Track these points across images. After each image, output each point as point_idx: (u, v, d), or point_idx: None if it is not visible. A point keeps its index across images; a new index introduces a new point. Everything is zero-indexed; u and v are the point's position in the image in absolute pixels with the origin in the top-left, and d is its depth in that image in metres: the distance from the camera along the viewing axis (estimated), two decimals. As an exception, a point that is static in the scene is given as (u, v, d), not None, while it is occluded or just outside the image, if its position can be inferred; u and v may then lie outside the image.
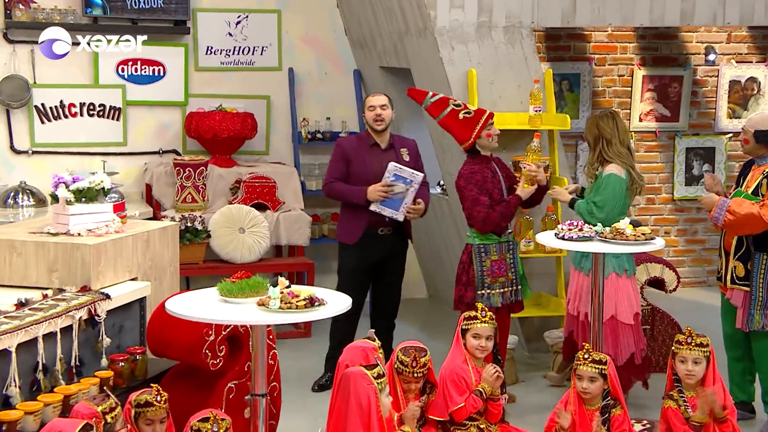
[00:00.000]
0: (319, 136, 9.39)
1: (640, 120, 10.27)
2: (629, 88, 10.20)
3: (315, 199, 9.43)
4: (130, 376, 5.60)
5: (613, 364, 5.71)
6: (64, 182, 5.94)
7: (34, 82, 8.86)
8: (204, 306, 4.84)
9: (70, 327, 5.31)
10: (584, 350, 5.57)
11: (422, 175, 7.07)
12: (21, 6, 8.72)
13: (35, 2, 8.77)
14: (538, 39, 9.88)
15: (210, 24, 9.27)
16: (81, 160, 9.04)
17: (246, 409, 5.79)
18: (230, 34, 9.36)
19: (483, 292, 6.64)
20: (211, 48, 9.32)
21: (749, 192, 6.36)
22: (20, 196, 8.49)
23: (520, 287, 6.85)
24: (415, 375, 5.61)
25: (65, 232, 5.85)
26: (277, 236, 8.70)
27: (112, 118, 9.12)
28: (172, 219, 8.31)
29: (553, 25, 8.12)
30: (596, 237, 6.11)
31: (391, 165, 7.00)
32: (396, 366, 5.65)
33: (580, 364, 5.55)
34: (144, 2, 8.90)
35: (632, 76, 10.18)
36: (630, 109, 10.22)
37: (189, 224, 8.31)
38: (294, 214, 8.80)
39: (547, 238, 6.20)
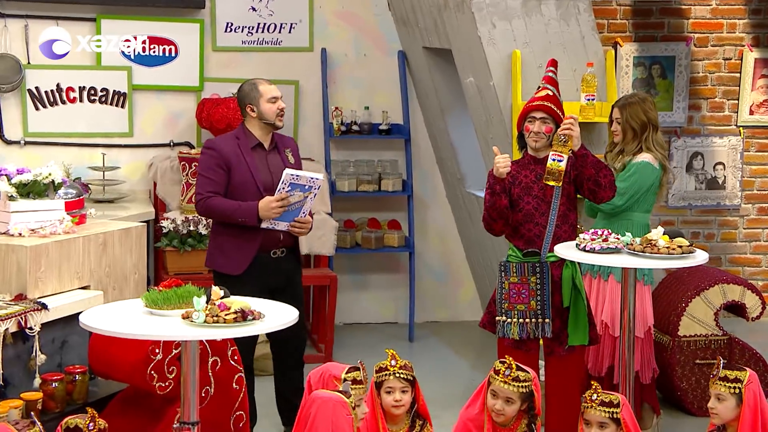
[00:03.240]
0: (355, 128, 9.46)
1: (751, 113, 10.06)
2: (737, 74, 10.02)
3: (347, 202, 9.53)
4: (65, 399, 5.76)
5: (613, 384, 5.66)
6: (6, 174, 6.13)
7: (28, 63, 9.12)
8: (124, 318, 4.95)
9: (-6, 340, 5.49)
10: (592, 389, 5.49)
11: (322, 176, 6.71)
12: (14, -24, 9.03)
13: (30, -29, 9.07)
14: (623, 15, 9.79)
15: (230, -4, 9.46)
16: (80, 152, 9.28)
17: (202, 441, 5.89)
18: (253, 9, 9.48)
19: (500, 318, 6.40)
20: (231, 25, 9.47)
21: None
22: (7, 192, 8.74)
23: (548, 320, 6.32)
24: (398, 375, 5.60)
25: (4, 232, 6.04)
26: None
27: (117, 105, 9.32)
28: (173, 221, 8.48)
29: (617, -2, 8.03)
30: (624, 249, 6.03)
31: (287, 173, 6.56)
32: (376, 380, 5.64)
33: (588, 407, 5.47)
34: (154, -30, 9.15)
35: (741, 60, 10.00)
36: (738, 100, 10.03)
37: (192, 228, 8.46)
38: (317, 219, 8.83)
39: (567, 251, 6.13)
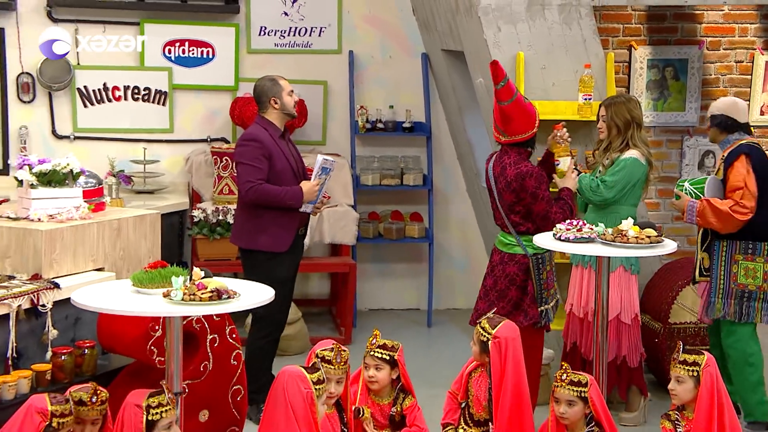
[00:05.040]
0: (380, 125, 9.56)
1: (762, 113, 10.00)
2: (748, 76, 9.94)
3: (372, 195, 9.65)
4: (74, 371, 5.91)
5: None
6: (28, 164, 6.32)
7: (78, 63, 9.35)
8: (112, 296, 5.10)
9: (7, 316, 5.66)
10: (562, 369, 5.56)
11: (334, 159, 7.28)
12: (64, -18, 9.25)
13: (80, -21, 9.30)
14: (638, 19, 9.77)
15: (264, 2, 9.58)
16: (124, 146, 9.50)
17: (201, 412, 6.06)
18: (286, 14, 9.63)
19: (543, 308, 6.65)
20: (265, 28, 9.62)
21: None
22: (58, 184, 8.96)
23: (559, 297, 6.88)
24: (372, 354, 5.81)
25: (25, 217, 6.23)
26: (320, 233, 8.92)
27: (158, 103, 9.53)
28: (203, 211, 8.66)
29: (618, 3, 8.03)
30: (597, 239, 6.09)
31: (321, 159, 7.03)
32: (364, 355, 5.83)
33: (557, 386, 5.55)
34: (192, -21, 9.33)
35: (753, 62, 9.91)
36: (749, 101, 9.95)
37: (221, 217, 8.62)
38: (340, 210, 9.00)
39: (544, 240, 6.20)
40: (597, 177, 7.02)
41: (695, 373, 5.47)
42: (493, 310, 5.99)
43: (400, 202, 9.79)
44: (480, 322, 5.79)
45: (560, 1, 7.85)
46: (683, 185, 6.84)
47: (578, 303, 7.14)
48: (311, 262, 8.99)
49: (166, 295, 4.97)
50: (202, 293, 4.93)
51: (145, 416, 4.87)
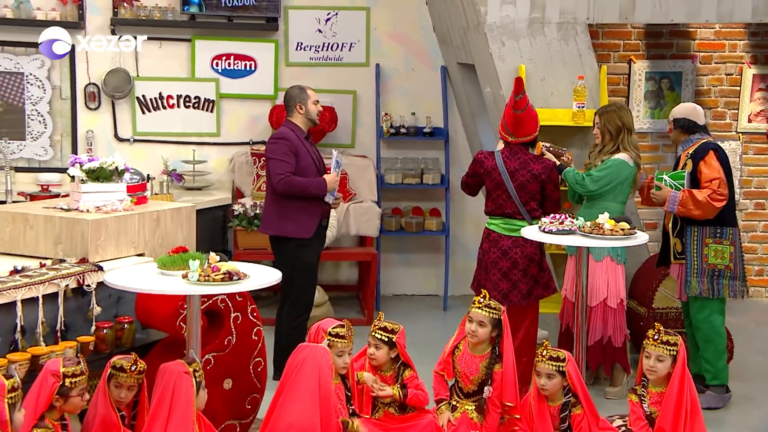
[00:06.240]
0: (402, 130, 9.67)
1: (749, 121, 9.98)
2: (737, 88, 9.93)
3: (395, 193, 9.73)
4: (114, 343, 6.06)
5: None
6: (79, 162, 6.49)
7: (137, 75, 9.55)
8: (140, 277, 5.26)
9: (57, 294, 5.83)
10: (543, 346, 5.64)
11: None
12: (125, 4, 9.44)
13: (138, 0, 9.47)
14: (637, 36, 9.79)
15: (300, 21, 9.72)
16: (177, 148, 9.68)
17: (225, 380, 6.20)
18: (320, 31, 9.76)
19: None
20: (301, 44, 9.76)
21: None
22: (115, 183, 9.16)
23: None
24: (372, 334, 5.91)
25: (76, 208, 6.40)
26: (347, 226, 9.05)
27: (207, 110, 9.70)
28: (243, 206, 8.82)
29: (610, 21, 8.06)
30: (577, 231, 6.16)
31: (338, 153, 7.28)
32: (369, 332, 5.95)
33: (539, 361, 5.64)
34: (237, 0, 9.44)
35: (741, 75, 9.91)
36: (738, 110, 9.95)
37: (258, 212, 8.77)
38: (364, 206, 9.12)
39: (530, 232, 6.28)
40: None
41: (674, 353, 5.53)
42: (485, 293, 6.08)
43: (420, 199, 9.89)
44: (488, 305, 5.80)
45: (558, 19, 7.91)
46: (662, 178, 6.94)
47: (571, 289, 7.21)
48: (339, 252, 9.14)
49: (185, 277, 5.13)
50: (216, 275, 5.08)
51: (194, 380, 5.08)
